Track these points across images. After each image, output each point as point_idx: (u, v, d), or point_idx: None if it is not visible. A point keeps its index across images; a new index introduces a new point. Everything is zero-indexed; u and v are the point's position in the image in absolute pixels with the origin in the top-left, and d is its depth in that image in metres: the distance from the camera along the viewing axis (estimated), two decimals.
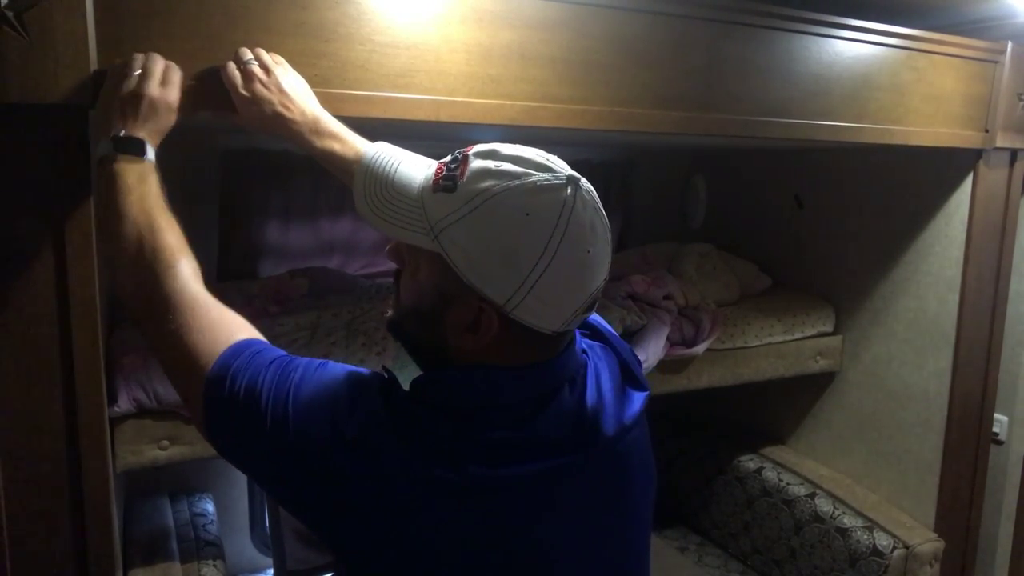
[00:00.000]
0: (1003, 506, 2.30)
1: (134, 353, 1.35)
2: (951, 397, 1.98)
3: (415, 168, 0.84)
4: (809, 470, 2.28)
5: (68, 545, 1.12)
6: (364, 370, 0.86)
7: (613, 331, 1.03)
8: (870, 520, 2.04)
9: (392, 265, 0.91)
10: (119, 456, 1.34)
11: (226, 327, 0.88)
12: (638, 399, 0.93)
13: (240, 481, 2.25)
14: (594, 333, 0.99)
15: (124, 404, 1.32)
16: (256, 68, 1.06)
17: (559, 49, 1.30)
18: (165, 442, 1.38)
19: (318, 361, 0.86)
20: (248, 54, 1.07)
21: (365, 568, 0.81)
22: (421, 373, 0.87)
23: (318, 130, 1.08)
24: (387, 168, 0.84)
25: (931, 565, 2.01)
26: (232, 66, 1.06)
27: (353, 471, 0.77)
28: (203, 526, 1.82)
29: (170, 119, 1.02)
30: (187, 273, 0.91)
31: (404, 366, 1.51)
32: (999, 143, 1.87)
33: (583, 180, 0.80)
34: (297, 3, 1.11)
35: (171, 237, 0.93)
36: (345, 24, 1.14)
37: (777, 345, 2.09)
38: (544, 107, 1.30)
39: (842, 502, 2.12)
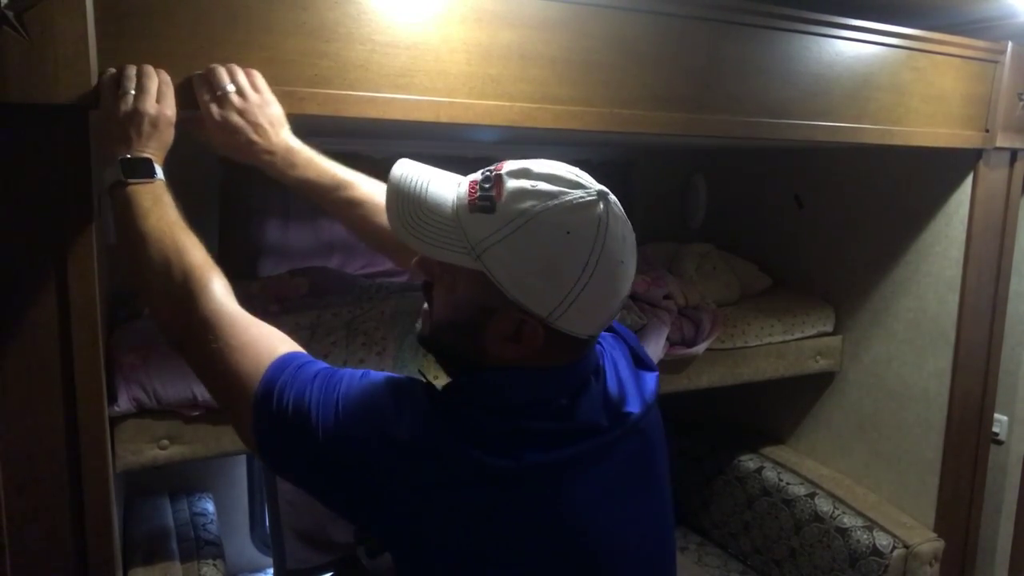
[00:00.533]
0: (1003, 506, 2.30)
1: (134, 353, 1.35)
2: (951, 397, 1.98)
3: (444, 187, 0.86)
4: (809, 470, 2.28)
5: (68, 545, 1.12)
6: (401, 376, 0.89)
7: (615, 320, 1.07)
8: (870, 520, 2.04)
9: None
10: (119, 456, 1.34)
11: (266, 343, 0.90)
12: (651, 379, 1.00)
13: (240, 481, 2.25)
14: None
15: (124, 404, 1.32)
16: (233, 96, 1.04)
17: (559, 49, 1.29)
18: (165, 442, 1.38)
19: (360, 371, 0.89)
20: (225, 78, 1.04)
21: (431, 565, 0.83)
22: (424, 367, 0.89)
23: (292, 161, 1.10)
24: (418, 188, 0.86)
25: (931, 565, 2.01)
26: (207, 91, 1.04)
27: (410, 472, 0.80)
28: (203, 526, 1.81)
29: (170, 134, 1.02)
30: (221, 291, 0.93)
31: (404, 366, 1.52)
32: (999, 143, 1.87)
33: (610, 193, 0.84)
34: (297, 3, 1.11)
35: (198, 255, 0.95)
36: (345, 24, 1.14)
37: (777, 345, 2.09)
38: (543, 108, 1.30)
39: (842, 502, 2.12)
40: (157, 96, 1.00)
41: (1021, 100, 1.87)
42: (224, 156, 1.11)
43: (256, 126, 1.06)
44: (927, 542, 1.99)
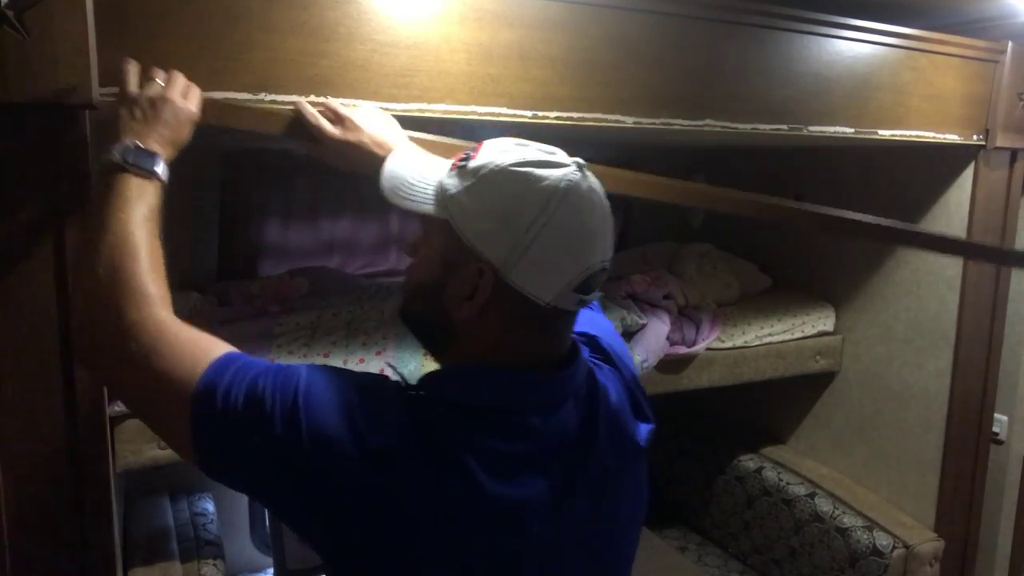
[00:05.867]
0: (1003, 506, 2.30)
1: None
2: (951, 397, 1.98)
3: (441, 166, 0.89)
4: (809, 470, 2.28)
5: (68, 545, 1.12)
6: (373, 374, 0.86)
7: (628, 355, 1.04)
8: (870, 520, 2.04)
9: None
10: (119, 456, 1.34)
11: (202, 345, 0.83)
12: (644, 430, 0.95)
13: None
14: (605, 357, 0.99)
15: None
16: (342, 110, 1.09)
17: (559, 49, 1.30)
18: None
19: (317, 365, 0.84)
20: (331, 103, 1.11)
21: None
22: (423, 368, 0.88)
23: None
24: (416, 161, 0.92)
25: (931, 565, 2.01)
26: (319, 117, 1.09)
27: (379, 484, 0.75)
28: (203, 526, 1.81)
29: (187, 133, 0.99)
30: (156, 299, 0.85)
31: (405, 363, 1.51)
32: (999, 143, 1.87)
33: (588, 168, 0.83)
34: (297, 3, 1.11)
35: (148, 262, 0.87)
36: (346, 24, 1.14)
37: (777, 345, 2.09)
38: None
39: (842, 502, 2.12)
40: (183, 92, 0.99)
41: (1021, 100, 1.87)
42: (223, 153, 1.11)
43: (372, 136, 1.07)
44: (927, 542, 1.99)
